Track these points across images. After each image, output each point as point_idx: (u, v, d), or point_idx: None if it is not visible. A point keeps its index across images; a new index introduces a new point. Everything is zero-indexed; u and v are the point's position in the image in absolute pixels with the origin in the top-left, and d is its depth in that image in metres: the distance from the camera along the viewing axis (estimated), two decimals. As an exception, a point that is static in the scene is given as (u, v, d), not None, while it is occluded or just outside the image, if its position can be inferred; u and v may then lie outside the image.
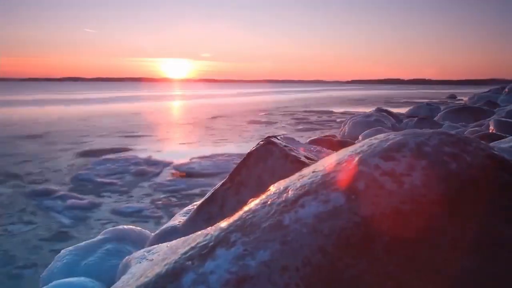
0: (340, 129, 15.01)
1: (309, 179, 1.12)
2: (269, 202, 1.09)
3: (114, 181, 8.02)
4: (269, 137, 2.56)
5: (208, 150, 10.83)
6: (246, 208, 1.20)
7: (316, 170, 1.17)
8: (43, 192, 7.48)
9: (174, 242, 1.87)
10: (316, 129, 16.21)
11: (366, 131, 10.94)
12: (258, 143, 2.45)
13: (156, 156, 9.92)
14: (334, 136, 7.79)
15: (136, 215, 6.13)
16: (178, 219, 2.67)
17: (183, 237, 1.86)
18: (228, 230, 1.02)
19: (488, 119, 13.94)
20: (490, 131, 8.06)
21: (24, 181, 8.37)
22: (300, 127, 17.18)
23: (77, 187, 7.66)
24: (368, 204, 0.98)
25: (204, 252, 0.98)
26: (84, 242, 4.23)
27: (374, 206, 0.97)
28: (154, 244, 2.48)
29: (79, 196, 6.96)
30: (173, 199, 6.77)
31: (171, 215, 4.53)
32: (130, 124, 16.77)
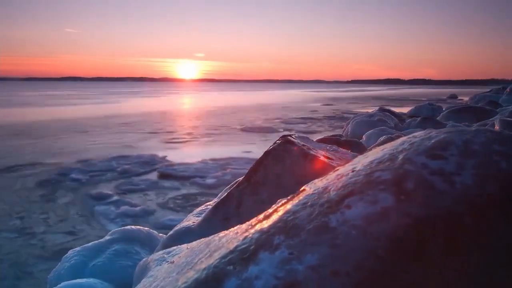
0: (343, 129, 14.97)
1: (350, 178, 1.06)
2: (309, 203, 1.03)
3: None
4: (284, 135, 2.51)
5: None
6: (280, 208, 1.15)
7: (356, 169, 1.11)
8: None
9: (194, 243, 1.82)
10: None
11: (370, 131, 10.88)
12: (275, 142, 2.39)
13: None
14: (340, 135, 7.72)
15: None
16: (192, 219, 2.61)
17: (204, 239, 1.81)
18: (270, 233, 0.97)
19: (491, 119, 13.90)
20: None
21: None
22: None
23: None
24: (419, 205, 0.92)
25: (246, 256, 0.92)
26: (91, 243, 4.17)
27: (425, 207, 0.92)
28: (168, 245, 2.43)
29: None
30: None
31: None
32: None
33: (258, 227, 1.08)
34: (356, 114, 16.50)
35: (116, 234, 4.20)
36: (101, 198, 7.27)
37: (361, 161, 1.19)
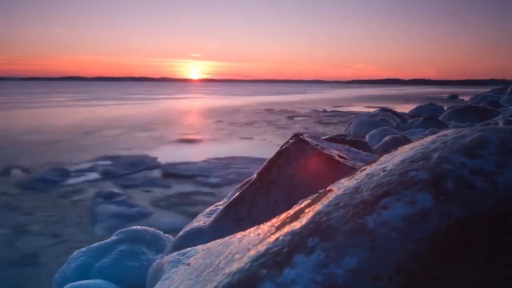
0: (345, 129, 14.92)
1: (383, 178, 1.03)
2: (342, 204, 0.99)
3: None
4: (297, 135, 2.47)
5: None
6: (307, 209, 1.11)
7: (387, 168, 1.08)
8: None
9: (209, 244, 1.77)
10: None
11: (373, 131, 10.84)
12: (288, 142, 2.35)
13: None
14: (345, 135, 7.68)
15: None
16: (202, 220, 2.57)
17: (219, 240, 1.77)
18: (303, 234, 0.93)
19: (494, 119, 13.87)
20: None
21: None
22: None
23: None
24: (460, 206, 0.89)
25: (279, 260, 0.88)
26: (97, 243, 4.12)
27: (467, 208, 0.88)
28: (179, 246, 2.39)
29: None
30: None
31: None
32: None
33: (286, 228, 1.04)
34: (358, 114, 16.45)
35: (122, 235, 4.15)
36: (105, 196, 7.25)
37: (391, 161, 1.15)
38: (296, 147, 2.27)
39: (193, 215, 3.41)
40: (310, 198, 1.35)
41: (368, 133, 10.79)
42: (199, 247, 1.75)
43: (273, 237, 1.01)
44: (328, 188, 1.22)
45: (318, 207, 1.05)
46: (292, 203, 2.12)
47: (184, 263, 1.61)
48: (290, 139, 2.39)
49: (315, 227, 0.94)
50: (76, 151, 11.41)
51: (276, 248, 0.92)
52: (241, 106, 30.92)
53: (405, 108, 23.15)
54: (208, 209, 2.79)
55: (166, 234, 4.30)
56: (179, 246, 2.32)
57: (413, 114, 19.44)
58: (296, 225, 1.00)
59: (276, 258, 0.89)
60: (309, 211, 1.07)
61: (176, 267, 1.62)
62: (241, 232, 1.68)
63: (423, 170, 0.99)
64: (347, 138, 5.94)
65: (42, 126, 16.91)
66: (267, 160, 2.41)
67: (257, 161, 9.41)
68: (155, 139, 13.80)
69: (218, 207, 2.66)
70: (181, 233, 2.50)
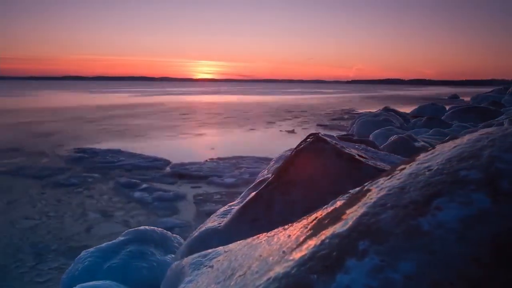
0: (348, 129, 14.87)
1: (431, 178, 0.98)
2: (389, 204, 0.94)
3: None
4: (313, 133, 2.42)
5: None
6: (347, 210, 1.06)
7: (432, 167, 1.03)
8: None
9: (232, 246, 1.72)
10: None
11: (377, 131, 10.78)
12: (306, 141, 2.30)
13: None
14: (352, 135, 7.63)
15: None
16: (217, 220, 2.51)
17: (242, 241, 1.72)
18: (352, 237, 0.88)
19: (497, 119, 13.81)
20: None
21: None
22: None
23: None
24: (521, 207, 0.84)
25: (330, 264, 0.83)
26: (105, 244, 4.06)
27: (528, 209, 0.83)
28: (195, 247, 2.34)
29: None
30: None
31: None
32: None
33: (328, 230, 0.99)
34: (360, 114, 16.39)
35: (130, 235, 4.09)
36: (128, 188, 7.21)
37: (433, 159, 1.10)
38: (314, 146, 2.22)
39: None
40: (344, 198, 1.31)
41: (372, 133, 10.74)
42: (220, 248, 1.69)
43: (315, 240, 0.96)
44: (365, 188, 1.17)
45: (361, 208, 1.00)
46: (312, 203, 2.06)
47: (207, 266, 1.56)
48: (308, 138, 2.33)
49: (364, 230, 0.89)
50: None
51: (324, 252, 0.87)
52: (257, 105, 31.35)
53: (406, 108, 23.10)
54: (221, 209, 2.73)
55: (174, 235, 4.24)
56: (194, 247, 2.27)
57: (415, 114, 19.40)
58: (340, 227, 0.95)
59: (325, 263, 0.84)
60: (351, 212, 1.02)
61: (198, 269, 1.57)
62: (265, 233, 1.63)
63: (475, 170, 0.94)
64: (354, 138, 5.88)
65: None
66: (284, 159, 2.35)
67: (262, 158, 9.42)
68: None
69: (232, 207, 2.61)
70: (195, 234, 2.45)
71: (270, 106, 31.17)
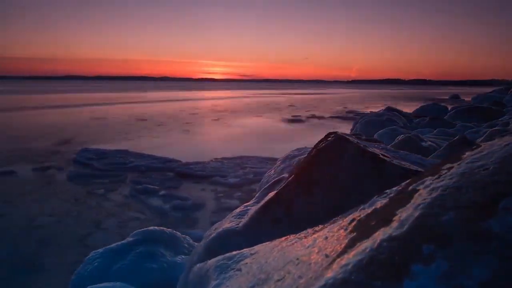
0: (351, 128, 14.81)
1: (488, 177, 0.92)
2: (447, 205, 0.88)
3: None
4: (332, 132, 2.36)
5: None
6: (398, 211, 1.00)
7: (488, 167, 0.97)
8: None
9: (257, 248, 1.67)
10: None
11: (381, 131, 10.73)
12: (327, 139, 2.24)
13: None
14: (359, 134, 7.56)
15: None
16: (234, 221, 2.44)
17: (268, 243, 1.66)
18: (414, 240, 0.82)
19: (500, 119, 13.75)
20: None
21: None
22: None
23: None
24: None
25: (394, 270, 0.77)
26: (114, 244, 3.98)
27: None
28: (213, 248, 2.28)
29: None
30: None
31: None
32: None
33: (378, 233, 0.93)
34: (363, 113, 16.34)
35: (139, 236, 4.02)
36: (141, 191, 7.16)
37: (484, 158, 1.04)
38: (336, 145, 2.16)
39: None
40: (382, 198, 1.25)
41: (376, 133, 10.68)
42: (246, 251, 1.63)
43: (368, 243, 0.90)
44: (410, 188, 1.11)
45: (415, 209, 0.94)
46: (336, 203, 2.01)
47: (234, 269, 1.50)
48: (328, 136, 2.27)
49: (425, 232, 0.83)
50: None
51: (383, 256, 0.82)
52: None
53: (408, 108, 23.03)
54: (238, 210, 2.67)
55: (184, 235, 4.17)
56: (212, 248, 2.21)
57: (418, 114, 19.33)
58: (396, 229, 0.89)
59: (387, 268, 0.78)
60: (402, 214, 0.96)
61: (225, 273, 1.51)
62: (293, 235, 1.58)
63: (539, 168, 0.88)
64: (363, 137, 5.81)
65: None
66: (302, 159, 2.30)
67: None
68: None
69: (248, 207, 2.55)
70: (213, 234, 2.38)
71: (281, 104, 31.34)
